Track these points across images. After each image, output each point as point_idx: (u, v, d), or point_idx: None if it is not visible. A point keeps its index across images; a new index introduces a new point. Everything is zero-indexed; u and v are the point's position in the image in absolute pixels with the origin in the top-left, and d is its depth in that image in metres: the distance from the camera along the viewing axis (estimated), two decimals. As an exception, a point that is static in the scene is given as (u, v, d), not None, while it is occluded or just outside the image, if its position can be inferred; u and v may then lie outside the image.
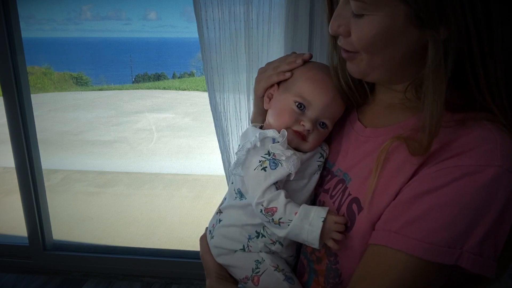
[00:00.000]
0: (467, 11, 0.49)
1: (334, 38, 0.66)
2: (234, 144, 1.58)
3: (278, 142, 0.67)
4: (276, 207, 0.63)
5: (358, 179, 0.62)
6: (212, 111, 1.55)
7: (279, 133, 0.68)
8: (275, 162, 0.66)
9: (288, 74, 0.71)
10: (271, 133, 0.68)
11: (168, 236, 2.82)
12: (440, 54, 0.50)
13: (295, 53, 0.76)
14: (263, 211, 0.64)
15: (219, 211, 0.79)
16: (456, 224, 0.49)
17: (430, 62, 0.51)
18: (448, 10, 0.49)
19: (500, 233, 0.50)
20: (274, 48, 1.45)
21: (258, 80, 0.77)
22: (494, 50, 0.51)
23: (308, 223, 0.61)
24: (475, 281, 0.58)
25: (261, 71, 0.77)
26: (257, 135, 0.68)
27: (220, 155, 1.63)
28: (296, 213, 0.62)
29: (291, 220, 0.62)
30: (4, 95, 1.88)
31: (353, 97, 0.69)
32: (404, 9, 0.51)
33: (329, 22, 0.63)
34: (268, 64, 0.76)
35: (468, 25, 0.50)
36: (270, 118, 0.73)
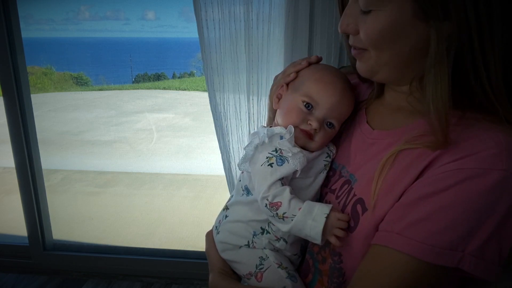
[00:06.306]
0: (468, 5, 0.50)
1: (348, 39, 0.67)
2: (234, 144, 1.58)
3: (286, 139, 0.68)
4: (280, 202, 0.64)
5: (363, 181, 0.62)
6: (212, 111, 1.55)
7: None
8: (282, 158, 0.67)
9: (292, 75, 0.74)
10: (278, 129, 0.70)
11: (168, 236, 2.82)
12: (443, 46, 0.51)
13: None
14: (268, 205, 0.65)
15: (226, 208, 0.80)
16: (458, 226, 0.49)
17: (433, 53, 0.52)
18: (450, 4, 0.50)
19: (505, 238, 0.50)
20: (274, 48, 1.45)
21: (272, 86, 0.81)
22: (495, 46, 0.52)
23: (311, 218, 0.62)
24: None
25: (275, 78, 0.81)
26: (265, 131, 0.70)
27: (220, 155, 1.63)
28: (300, 209, 0.63)
29: (295, 215, 0.63)
30: (4, 95, 1.88)
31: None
32: (410, 2, 0.52)
33: None
34: (282, 72, 0.80)
35: (470, 19, 0.50)
36: (278, 118, 0.75)
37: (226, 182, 1.68)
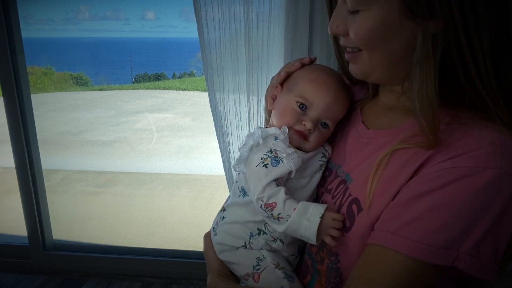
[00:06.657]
0: (453, 3, 0.50)
1: (337, 42, 0.67)
2: (234, 144, 1.58)
3: (280, 139, 0.68)
4: (275, 203, 0.64)
5: (359, 180, 0.62)
6: (212, 111, 1.55)
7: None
8: (277, 159, 0.67)
9: (283, 75, 0.74)
10: (272, 130, 0.70)
11: (168, 236, 2.83)
12: (429, 45, 0.51)
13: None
14: (263, 206, 0.65)
15: (223, 209, 0.80)
16: (453, 225, 0.49)
17: (419, 52, 0.52)
18: (435, 2, 0.50)
19: (500, 236, 0.50)
20: (274, 48, 1.45)
21: (268, 87, 0.80)
22: (483, 42, 0.51)
23: (306, 218, 0.62)
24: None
25: (272, 79, 0.81)
26: (260, 133, 0.70)
27: (220, 155, 1.63)
28: (294, 209, 0.63)
29: (290, 216, 0.63)
30: (4, 95, 1.88)
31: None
32: (397, 1, 0.52)
33: None
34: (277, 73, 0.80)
35: (455, 17, 0.50)
36: (273, 119, 0.75)
37: (226, 182, 1.69)
